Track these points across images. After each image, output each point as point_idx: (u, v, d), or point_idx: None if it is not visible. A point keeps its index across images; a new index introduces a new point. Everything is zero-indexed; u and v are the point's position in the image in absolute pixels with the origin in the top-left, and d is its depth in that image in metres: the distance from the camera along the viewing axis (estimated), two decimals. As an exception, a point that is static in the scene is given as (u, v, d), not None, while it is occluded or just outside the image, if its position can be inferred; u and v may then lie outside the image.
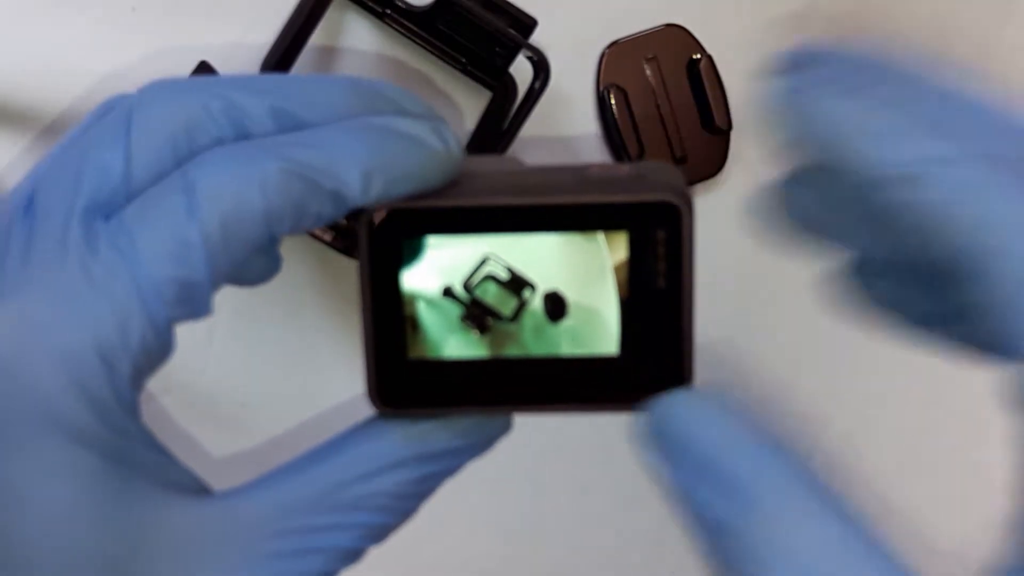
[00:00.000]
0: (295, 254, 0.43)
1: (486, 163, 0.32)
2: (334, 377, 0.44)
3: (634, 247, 0.29)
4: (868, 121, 0.24)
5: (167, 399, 0.42)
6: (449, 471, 0.30)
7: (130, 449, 0.27)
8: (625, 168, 0.31)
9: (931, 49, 0.48)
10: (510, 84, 0.42)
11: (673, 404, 0.27)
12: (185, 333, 0.40)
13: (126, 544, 0.26)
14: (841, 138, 0.24)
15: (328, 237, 0.40)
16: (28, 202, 0.27)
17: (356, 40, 0.42)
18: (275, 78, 0.29)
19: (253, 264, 0.31)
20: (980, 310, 0.24)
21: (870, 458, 0.50)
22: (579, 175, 0.30)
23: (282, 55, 0.40)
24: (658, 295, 0.29)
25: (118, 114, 0.28)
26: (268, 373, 0.43)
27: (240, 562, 0.27)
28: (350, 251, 0.41)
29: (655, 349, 0.29)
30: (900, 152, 0.24)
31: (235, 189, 0.26)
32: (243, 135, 0.28)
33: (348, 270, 0.42)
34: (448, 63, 0.42)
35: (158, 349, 0.27)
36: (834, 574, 0.24)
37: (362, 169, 0.27)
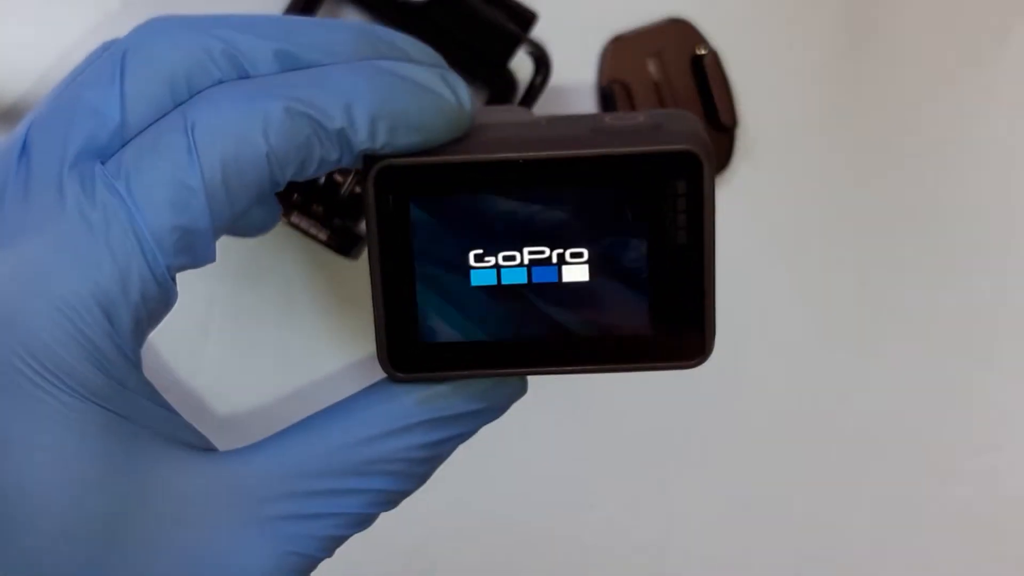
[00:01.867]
0: (291, 253, 0.42)
1: (495, 114, 0.31)
2: (331, 378, 0.43)
3: (653, 200, 0.28)
4: None
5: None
6: (463, 435, 0.29)
7: (132, 402, 0.26)
8: (641, 117, 0.29)
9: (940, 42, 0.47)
10: (510, 80, 0.41)
11: None
12: (181, 333, 0.40)
13: (129, 498, 0.26)
14: None
15: (324, 236, 0.40)
16: (22, 147, 0.26)
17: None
18: (279, 20, 0.28)
19: (251, 214, 0.31)
20: None
21: (875, 456, 0.49)
22: (594, 127, 0.29)
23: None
24: (678, 250, 0.28)
25: (112, 55, 0.27)
26: (264, 374, 0.43)
27: (246, 523, 0.27)
28: (346, 250, 0.40)
29: (675, 306, 0.28)
30: None
31: (237, 130, 0.26)
32: (244, 78, 0.27)
33: (344, 270, 0.42)
34: (447, 58, 0.41)
35: (159, 299, 0.26)
36: None
37: (369, 110, 0.26)
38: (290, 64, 0.27)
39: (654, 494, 0.48)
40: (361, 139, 0.27)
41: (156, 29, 0.27)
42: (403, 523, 0.30)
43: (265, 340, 0.42)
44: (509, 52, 0.41)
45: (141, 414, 0.26)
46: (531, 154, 0.27)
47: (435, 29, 0.41)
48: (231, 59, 0.27)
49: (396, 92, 0.27)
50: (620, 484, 0.47)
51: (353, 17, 0.41)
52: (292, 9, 0.40)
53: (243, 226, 0.31)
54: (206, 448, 0.28)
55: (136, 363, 0.27)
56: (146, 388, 0.27)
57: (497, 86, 0.41)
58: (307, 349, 0.43)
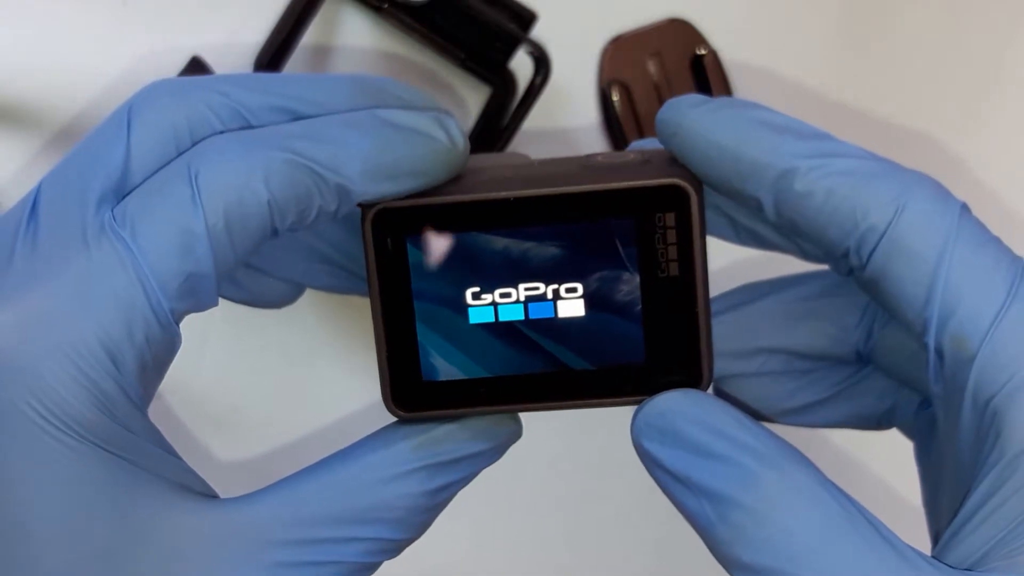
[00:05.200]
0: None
1: (491, 160, 0.32)
2: (329, 382, 0.43)
3: (644, 234, 0.28)
4: (763, 130, 0.29)
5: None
6: (462, 480, 0.30)
7: (137, 446, 0.27)
8: (631, 155, 0.30)
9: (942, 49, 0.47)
10: (510, 79, 0.41)
11: (670, 396, 0.28)
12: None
13: (130, 541, 0.26)
14: (751, 142, 0.28)
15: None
16: (32, 205, 0.27)
17: (353, 35, 0.42)
18: (278, 77, 0.29)
19: (276, 287, 0.32)
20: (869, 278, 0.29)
21: (874, 454, 0.49)
22: (584, 164, 0.30)
23: (277, 50, 0.39)
24: (671, 281, 0.28)
25: (118, 114, 0.28)
26: (262, 378, 0.43)
27: (246, 569, 0.27)
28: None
29: (669, 338, 0.29)
30: (796, 147, 0.28)
31: (239, 179, 0.26)
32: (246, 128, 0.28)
33: (344, 270, 0.42)
34: (447, 58, 0.41)
35: (163, 343, 0.27)
36: (831, 543, 0.26)
37: (366, 164, 0.27)
38: (289, 118, 0.28)
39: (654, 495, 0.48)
40: (360, 192, 0.28)
41: (160, 87, 0.28)
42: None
43: (264, 343, 0.42)
44: (509, 52, 0.41)
45: (145, 458, 0.27)
46: (522, 192, 0.28)
47: (436, 29, 0.40)
48: (232, 112, 0.28)
49: (393, 142, 0.28)
50: (620, 484, 0.47)
51: (355, 22, 0.41)
52: (289, 10, 0.40)
53: (267, 299, 0.33)
54: (207, 494, 0.28)
55: (141, 407, 0.27)
56: (151, 432, 0.27)
57: (497, 86, 0.41)
58: (307, 351, 0.43)
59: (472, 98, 0.42)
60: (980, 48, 0.47)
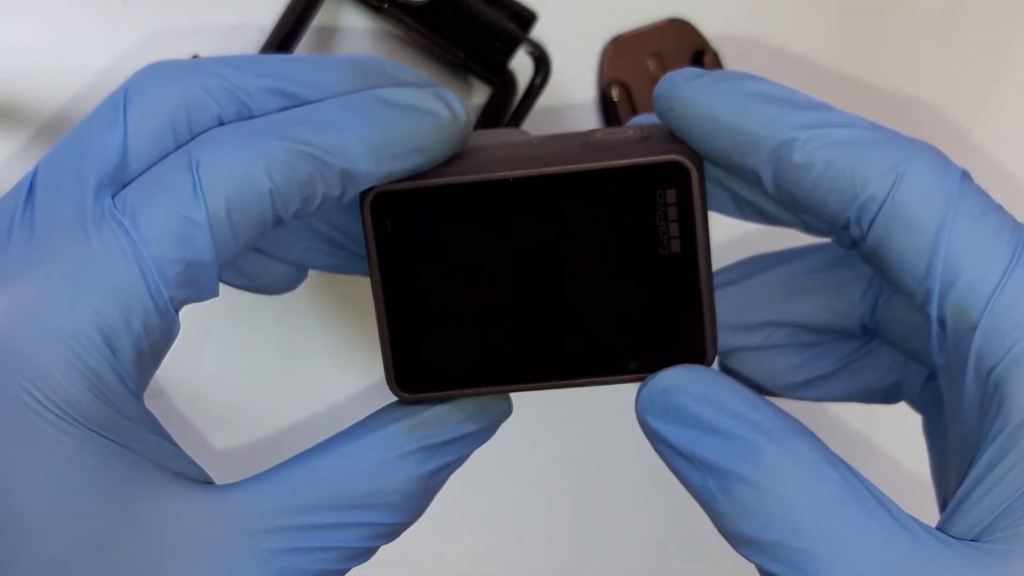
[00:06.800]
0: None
1: (490, 137, 0.32)
2: (329, 378, 0.43)
3: (645, 211, 0.28)
4: (760, 102, 0.28)
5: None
6: (456, 462, 0.30)
7: (133, 432, 0.26)
8: (630, 131, 0.30)
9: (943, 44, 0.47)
10: (510, 79, 0.41)
11: (673, 372, 0.28)
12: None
13: (124, 527, 0.26)
14: (747, 114, 0.28)
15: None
16: (29, 189, 0.27)
17: (353, 34, 0.41)
18: (274, 58, 0.29)
19: (278, 271, 0.32)
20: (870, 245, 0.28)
21: (874, 451, 0.49)
22: (583, 142, 0.29)
23: (277, 49, 0.39)
24: (674, 258, 0.28)
25: (114, 97, 0.28)
26: (262, 373, 0.43)
27: (241, 556, 0.27)
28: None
29: (673, 315, 0.28)
30: (793, 118, 0.28)
31: (240, 169, 0.26)
32: (244, 115, 0.28)
33: (344, 269, 0.42)
34: (447, 58, 0.41)
35: (161, 331, 0.27)
36: (834, 516, 0.26)
37: (369, 145, 0.27)
38: (286, 100, 0.28)
39: (654, 494, 0.48)
40: (365, 172, 0.27)
41: (155, 70, 0.28)
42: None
43: (264, 339, 0.42)
44: (509, 52, 0.41)
45: (140, 444, 0.27)
46: (521, 172, 0.28)
47: (436, 29, 0.40)
48: (229, 95, 0.27)
49: (395, 121, 0.28)
50: (620, 484, 0.47)
51: (355, 23, 0.41)
52: (288, 10, 0.40)
53: (268, 284, 0.32)
54: (204, 480, 0.28)
55: (137, 393, 0.27)
56: (147, 419, 0.27)
57: (497, 86, 0.41)
58: (306, 348, 0.43)
59: (472, 98, 0.42)
60: (982, 43, 0.47)
